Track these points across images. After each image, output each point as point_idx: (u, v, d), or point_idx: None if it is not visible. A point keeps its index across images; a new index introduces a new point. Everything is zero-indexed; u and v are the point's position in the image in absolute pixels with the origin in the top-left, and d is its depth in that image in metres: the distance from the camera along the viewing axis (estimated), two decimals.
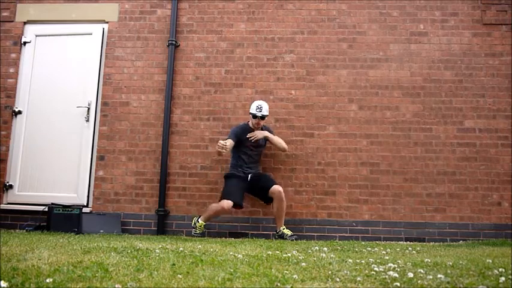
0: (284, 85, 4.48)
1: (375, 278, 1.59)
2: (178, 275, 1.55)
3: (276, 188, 3.88)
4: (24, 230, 3.92)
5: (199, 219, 3.95)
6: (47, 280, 1.38)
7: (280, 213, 3.90)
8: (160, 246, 2.55)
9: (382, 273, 1.68)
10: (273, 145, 4.15)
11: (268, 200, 3.98)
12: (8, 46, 4.69)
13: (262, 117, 4.00)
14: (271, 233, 4.11)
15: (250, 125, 4.09)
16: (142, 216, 4.31)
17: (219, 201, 3.91)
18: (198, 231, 3.92)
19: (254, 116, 3.98)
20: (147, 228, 4.27)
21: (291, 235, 3.85)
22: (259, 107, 3.98)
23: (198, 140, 4.44)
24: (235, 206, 3.89)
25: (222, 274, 1.58)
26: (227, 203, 3.81)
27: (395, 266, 1.89)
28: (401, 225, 4.16)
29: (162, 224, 4.24)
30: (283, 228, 3.90)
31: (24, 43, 4.71)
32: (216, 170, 4.36)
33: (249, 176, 4.01)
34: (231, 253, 2.28)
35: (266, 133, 4.07)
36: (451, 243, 3.95)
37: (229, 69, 4.55)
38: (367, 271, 1.74)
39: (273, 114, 4.34)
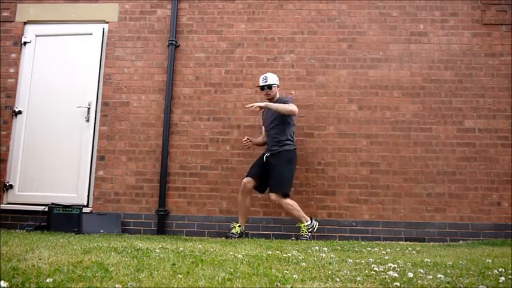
0: (284, 85, 4.47)
1: (375, 278, 1.59)
2: (179, 275, 1.55)
3: (271, 196, 3.79)
4: (24, 230, 3.92)
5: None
6: (47, 280, 1.38)
7: (291, 214, 3.86)
8: (160, 246, 2.56)
9: (382, 273, 1.68)
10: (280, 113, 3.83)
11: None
12: (8, 46, 4.69)
13: (269, 87, 3.88)
14: (271, 233, 4.11)
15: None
16: (142, 216, 4.31)
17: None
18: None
19: (261, 88, 3.93)
20: (147, 228, 4.27)
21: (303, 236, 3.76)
22: (265, 78, 3.93)
23: (198, 140, 4.44)
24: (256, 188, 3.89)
25: (222, 274, 1.58)
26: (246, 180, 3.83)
27: (395, 266, 1.89)
28: (401, 225, 4.16)
29: (162, 224, 4.24)
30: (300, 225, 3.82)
31: (24, 43, 4.71)
32: (216, 170, 4.36)
33: (265, 156, 3.89)
34: (231, 253, 2.28)
35: (264, 103, 3.81)
36: (451, 243, 3.95)
37: (229, 69, 4.55)
38: (367, 271, 1.74)
39: None
